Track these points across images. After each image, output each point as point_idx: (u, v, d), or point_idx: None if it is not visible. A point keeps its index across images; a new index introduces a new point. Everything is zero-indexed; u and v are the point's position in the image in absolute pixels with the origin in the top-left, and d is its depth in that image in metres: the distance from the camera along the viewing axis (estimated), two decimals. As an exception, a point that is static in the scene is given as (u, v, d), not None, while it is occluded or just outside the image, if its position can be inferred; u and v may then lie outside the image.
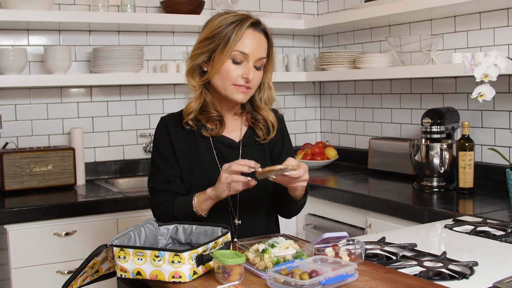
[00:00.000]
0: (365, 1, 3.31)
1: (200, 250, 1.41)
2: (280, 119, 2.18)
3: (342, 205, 2.87)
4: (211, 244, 1.45)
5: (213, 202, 1.87)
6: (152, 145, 2.10)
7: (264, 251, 1.41)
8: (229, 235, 1.57)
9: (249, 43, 1.91)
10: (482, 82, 2.13)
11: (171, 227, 1.69)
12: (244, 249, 1.47)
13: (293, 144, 3.92)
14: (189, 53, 2.04)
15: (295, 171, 1.80)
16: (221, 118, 2.02)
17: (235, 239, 1.97)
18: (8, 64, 2.96)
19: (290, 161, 1.81)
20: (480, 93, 2.11)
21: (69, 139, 3.26)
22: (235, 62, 1.92)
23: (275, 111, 2.14)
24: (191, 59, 2.00)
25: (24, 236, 2.66)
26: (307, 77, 3.70)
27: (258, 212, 2.06)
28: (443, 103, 3.15)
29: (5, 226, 2.64)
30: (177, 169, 2.00)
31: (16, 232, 2.64)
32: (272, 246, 1.42)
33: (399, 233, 2.13)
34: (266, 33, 1.98)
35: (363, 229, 2.76)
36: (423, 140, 2.90)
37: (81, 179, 3.21)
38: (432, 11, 2.98)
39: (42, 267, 2.68)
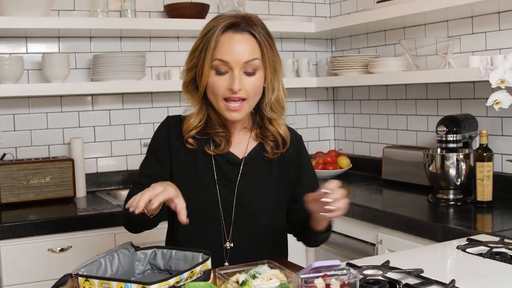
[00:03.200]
0: (377, 2, 3.15)
1: (172, 281, 1.26)
2: (297, 137, 2.00)
3: (352, 219, 2.70)
4: (186, 274, 1.30)
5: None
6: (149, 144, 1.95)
7: (243, 283, 1.25)
8: (209, 262, 1.42)
9: (227, 48, 1.74)
10: (498, 88, 1.96)
11: (149, 252, 1.54)
12: (224, 279, 1.32)
13: (306, 152, 3.80)
14: None
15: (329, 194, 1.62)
16: (227, 135, 1.87)
17: (226, 264, 1.82)
18: (4, 72, 2.85)
19: (330, 184, 1.64)
20: (496, 100, 1.93)
21: (69, 149, 3.14)
22: (219, 73, 1.76)
23: (291, 129, 1.97)
24: (184, 74, 1.85)
25: (17, 252, 2.53)
26: (318, 82, 3.54)
27: (254, 234, 1.89)
28: (461, 109, 2.97)
29: (-3, 242, 2.53)
30: (164, 171, 1.84)
31: (8, 248, 2.52)
32: (254, 276, 1.27)
33: (407, 254, 1.96)
34: (252, 33, 1.78)
35: (373, 245, 2.59)
36: (438, 150, 2.72)
37: (81, 191, 3.09)
38: (448, 11, 2.80)
39: (35, 285, 2.55)
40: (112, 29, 3.07)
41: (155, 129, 1.93)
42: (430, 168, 2.68)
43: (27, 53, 3.09)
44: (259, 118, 1.91)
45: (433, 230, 2.27)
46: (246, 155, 1.89)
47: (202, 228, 1.84)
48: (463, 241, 1.96)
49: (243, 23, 1.79)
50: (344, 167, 3.50)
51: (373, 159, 3.53)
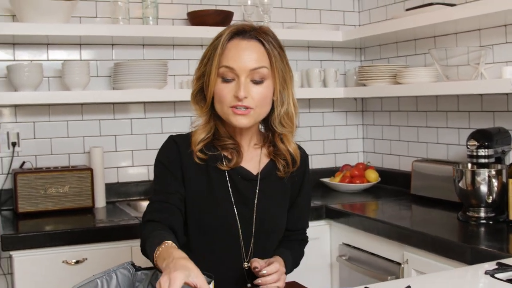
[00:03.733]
0: (406, 10, 3.03)
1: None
2: (306, 157, 1.93)
3: (378, 237, 2.58)
4: (186, 299, 1.22)
5: None
6: (155, 163, 1.83)
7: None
8: (211, 286, 1.33)
9: (234, 54, 1.67)
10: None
11: (150, 272, 1.46)
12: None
13: (333, 165, 3.70)
14: None
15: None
16: (237, 147, 1.78)
17: (248, 285, 1.75)
18: (23, 80, 2.81)
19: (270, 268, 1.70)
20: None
21: (89, 158, 3.08)
22: (225, 80, 1.69)
23: (301, 148, 1.90)
24: (193, 84, 1.78)
25: (31, 264, 2.47)
26: (345, 92, 3.43)
27: (271, 253, 1.83)
28: (494, 122, 2.83)
29: (11, 253, 2.47)
30: (181, 186, 1.73)
31: (22, 259, 2.46)
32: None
33: (429, 279, 1.83)
34: (260, 40, 1.71)
35: (399, 264, 2.47)
36: (469, 165, 2.59)
37: (100, 201, 3.03)
38: (481, 19, 2.68)
39: (49, 298, 2.50)
40: (134, 36, 3.01)
41: (160, 150, 1.82)
42: (460, 184, 2.55)
43: (48, 60, 3.05)
44: (270, 135, 1.83)
45: (461, 251, 2.15)
46: (260, 171, 1.81)
47: (220, 249, 1.76)
48: (492, 264, 1.83)
49: (252, 31, 1.72)
50: (372, 181, 3.37)
51: (402, 173, 3.40)
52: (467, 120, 2.99)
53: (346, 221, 2.81)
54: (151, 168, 3.21)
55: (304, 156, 1.91)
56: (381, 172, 3.48)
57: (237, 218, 1.76)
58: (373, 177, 3.39)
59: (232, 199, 1.76)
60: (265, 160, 1.84)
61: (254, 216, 1.78)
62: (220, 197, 1.75)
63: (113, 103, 3.18)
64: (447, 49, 2.76)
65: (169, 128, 3.30)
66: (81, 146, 3.14)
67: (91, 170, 2.94)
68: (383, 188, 3.44)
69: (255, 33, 1.72)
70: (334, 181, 3.43)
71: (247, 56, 1.68)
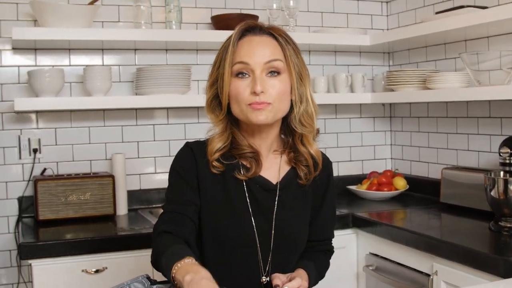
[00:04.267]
0: (436, 13, 2.93)
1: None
2: (329, 163, 1.85)
3: (406, 247, 2.49)
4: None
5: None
6: (169, 171, 1.76)
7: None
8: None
9: (247, 49, 1.62)
10: None
11: (166, 287, 1.39)
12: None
13: (361, 172, 3.61)
14: None
15: None
16: (256, 156, 1.70)
17: None
18: (44, 85, 2.77)
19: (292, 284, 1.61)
20: None
21: (111, 165, 3.04)
22: (240, 76, 1.63)
23: (323, 153, 1.82)
24: (206, 91, 1.72)
25: (50, 272, 2.43)
26: (373, 98, 3.34)
27: (291, 268, 1.74)
28: (528, 129, 2.72)
29: (30, 261, 2.42)
30: (196, 197, 1.66)
31: (41, 267, 2.42)
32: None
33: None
34: (272, 34, 1.67)
35: (428, 275, 2.37)
36: (501, 173, 2.49)
37: (122, 209, 2.98)
38: (514, 22, 2.58)
39: (67, 307, 2.45)
40: (157, 41, 2.96)
41: (176, 157, 1.75)
42: (492, 193, 2.44)
43: (70, 65, 3.02)
44: (291, 140, 1.76)
45: (494, 263, 2.04)
46: (280, 180, 1.73)
47: (237, 262, 1.68)
48: (527, 279, 1.74)
49: (263, 27, 1.68)
50: (400, 189, 3.28)
51: (432, 181, 3.30)
52: (499, 127, 2.88)
53: (373, 230, 2.72)
54: (174, 175, 3.19)
55: (327, 161, 1.83)
56: (409, 179, 3.38)
57: (255, 229, 1.68)
58: (401, 184, 3.29)
59: (250, 209, 1.68)
60: (285, 168, 1.76)
61: (273, 228, 1.70)
62: (237, 208, 1.68)
63: (136, 109, 3.14)
64: (479, 53, 2.66)
65: (193, 134, 3.24)
66: (103, 153, 3.10)
67: (112, 177, 2.89)
68: (411, 196, 3.34)
69: (266, 28, 1.68)
70: (361, 189, 3.34)
71: (260, 50, 1.63)
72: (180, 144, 3.14)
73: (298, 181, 1.74)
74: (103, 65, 3.06)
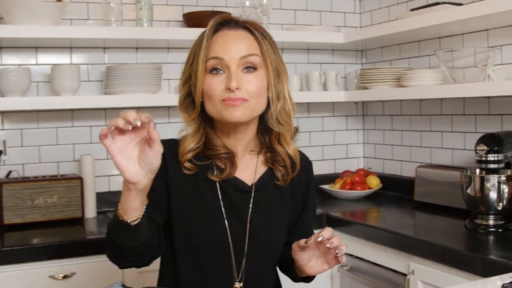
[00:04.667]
0: (411, 10, 2.91)
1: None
2: (309, 163, 1.78)
3: (382, 246, 2.46)
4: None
5: (134, 195, 1.36)
6: None
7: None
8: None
9: (221, 44, 1.55)
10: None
11: (138, 292, 1.33)
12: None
13: (333, 171, 3.57)
14: None
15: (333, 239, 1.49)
16: (230, 156, 1.62)
17: None
18: (10, 85, 2.68)
19: (326, 232, 1.49)
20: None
21: (79, 167, 2.95)
22: (214, 72, 1.55)
23: (302, 153, 1.75)
24: (179, 90, 1.65)
25: (16, 279, 2.33)
26: (346, 96, 3.30)
27: (266, 272, 1.68)
28: (502, 126, 2.71)
29: (-5, 268, 2.34)
30: (161, 199, 1.57)
31: (6, 274, 2.32)
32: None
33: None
34: (248, 28, 1.60)
35: (405, 275, 2.34)
36: (477, 171, 2.47)
37: (91, 212, 2.89)
38: (489, 19, 2.56)
39: (33, 315, 2.36)
40: (128, 39, 2.88)
41: None
42: (468, 191, 2.42)
43: (37, 64, 2.93)
44: (267, 139, 1.68)
45: (472, 262, 2.02)
46: (256, 181, 1.66)
47: (209, 267, 1.61)
48: (508, 277, 1.70)
49: (238, 21, 1.61)
50: (374, 187, 3.25)
51: (405, 179, 3.27)
52: (473, 124, 2.87)
53: (347, 229, 2.68)
54: (145, 176, 3.11)
55: (306, 162, 1.76)
56: (383, 178, 3.35)
57: (229, 233, 1.61)
58: (374, 183, 3.26)
59: (224, 212, 1.61)
60: (262, 169, 1.69)
61: (248, 231, 1.63)
62: (210, 210, 1.60)
63: (105, 109, 3.06)
64: (454, 51, 2.64)
65: (163, 135, 3.12)
66: (70, 154, 3.01)
67: (81, 179, 2.81)
68: (385, 194, 3.31)
69: (242, 22, 1.62)
70: (334, 188, 3.30)
71: (236, 44, 1.56)
72: (151, 145, 3.11)
73: (275, 182, 1.68)
74: (71, 63, 2.97)
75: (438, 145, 3.09)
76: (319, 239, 1.47)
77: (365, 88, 3.21)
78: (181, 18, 3.17)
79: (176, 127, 3.13)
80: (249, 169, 1.67)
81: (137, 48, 3.11)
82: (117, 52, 3.07)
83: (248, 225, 1.63)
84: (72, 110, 2.99)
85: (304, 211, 1.76)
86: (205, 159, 1.62)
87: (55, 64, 2.85)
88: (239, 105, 1.54)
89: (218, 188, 1.62)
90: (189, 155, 1.60)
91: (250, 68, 1.57)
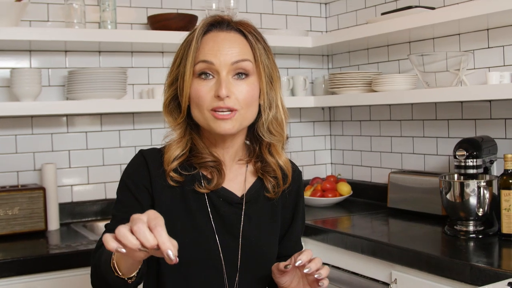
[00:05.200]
0: (381, 14, 2.87)
1: None
2: (299, 173, 1.70)
3: (362, 255, 2.39)
4: None
5: (132, 262, 1.25)
6: (119, 182, 1.55)
7: None
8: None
9: (212, 47, 1.44)
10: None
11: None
12: None
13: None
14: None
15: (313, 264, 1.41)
16: (218, 165, 1.52)
17: None
18: (-34, 90, 2.52)
19: (303, 256, 1.40)
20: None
21: (41, 176, 2.80)
22: (203, 77, 1.45)
23: (292, 163, 1.66)
24: (164, 92, 1.54)
25: (-24, 298, 2.19)
26: (316, 102, 3.24)
27: (261, 285, 1.59)
28: (475, 131, 2.69)
29: (-49, 287, 2.18)
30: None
31: (-34, 293, 2.18)
32: None
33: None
34: (241, 31, 1.50)
35: (387, 284, 2.28)
36: (455, 176, 2.44)
37: (54, 224, 2.75)
38: (461, 24, 2.54)
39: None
40: (90, 42, 2.74)
41: (127, 167, 1.55)
42: (448, 196, 2.39)
43: (-6, 68, 2.77)
44: (257, 148, 1.59)
45: (460, 270, 1.97)
46: (246, 192, 1.57)
47: (199, 284, 1.50)
48: (503, 285, 1.66)
49: (231, 22, 1.51)
50: (345, 194, 3.20)
51: (375, 185, 3.24)
52: (446, 129, 2.84)
53: (322, 238, 2.62)
54: (109, 186, 2.99)
55: (297, 173, 1.68)
56: (352, 184, 3.31)
57: (220, 248, 1.51)
58: (345, 190, 3.21)
59: (214, 226, 1.51)
60: (251, 179, 1.59)
61: (240, 245, 1.54)
62: (199, 225, 1.50)
63: (67, 115, 2.91)
64: (426, 55, 2.61)
65: (128, 142, 3.05)
66: (31, 163, 2.85)
67: (43, 189, 2.66)
68: (355, 201, 3.27)
69: (235, 23, 1.51)
70: (305, 195, 3.23)
71: (227, 48, 1.44)
72: (114, 153, 3.00)
73: (265, 194, 1.59)
74: (30, 67, 2.82)
75: (409, 151, 3.06)
76: (297, 263, 1.39)
77: (334, 93, 3.16)
78: (145, 21, 3.06)
79: (141, 134, 3.05)
80: (238, 179, 1.58)
81: (99, 51, 2.98)
82: (79, 56, 2.93)
83: (240, 239, 1.54)
84: (32, 116, 2.84)
85: (293, 223, 1.68)
86: (191, 169, 1.52)
87: (13, 68, 2.69)
88: (228, 119, 1.44)
89: (207, 201, 1.52)
90: (175, 164, 1.50)
91: (242, 74, 1.46)
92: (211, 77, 1.45)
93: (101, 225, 2.90)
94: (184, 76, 1.46)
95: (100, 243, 1.43)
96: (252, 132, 1.59)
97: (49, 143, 2.89)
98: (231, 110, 1.43)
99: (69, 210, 2.91)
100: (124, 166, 2.95)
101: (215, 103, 1.43)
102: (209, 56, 1.44)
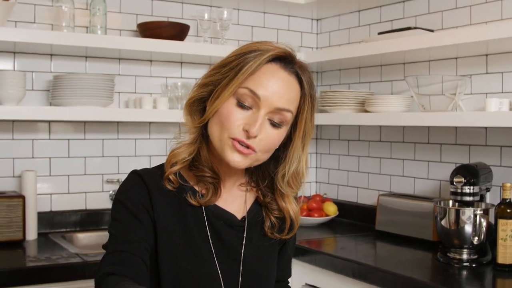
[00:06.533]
0: (378, 33, 2.83)
1: None
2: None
3: (353, 280, 2.32)
4: None
5: None
6: (113, 203, 1.46)
7: None
8: None
9: (267, 82, 1.35)
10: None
11: None
12: None
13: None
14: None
15: None
16: (216, 182, 1.44)
17: None
18: None
19: None
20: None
21: (20, 183, 2.68)
22: (241, 105, 1.36)
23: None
24: (194, 89, 1.44)
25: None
26: (305, 119, 3.17)
27: None
28: (469, 157, 2.65)
29: None
30: (148, 234, 1.38)
31: None
32: None
33: None
34: (300, 79, 1.40)
35: (379, 311, 2.22)
36: (450, 203, 2.40)
37: (32, 234, 2.62)
38: (459, 48, 2.51)
39: None
40: (77, 46, 2.64)
41: (122, 187, 1.45)
42: (442, 223, 2.34)
43: (-24, 69, 2.65)
44: (267, 183, 1.50)
45: (459, 300, 1.92)
46: (247, 214, 1.49)
47: None
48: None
49: (295, 64, 1.41)
50: (331, 214, 3.13)
51: (362, 207, 3.18)
52: (438, 153, 2.80)
53: (310, 259, 2.54)
54: (90, 196, 2.89)
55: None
56: (337, 204, 3.23)
57: (220, 272, 1.43)
58: (332, 210, 3.15)
59: (213, 250, 1.43)
60: (251, 200, 1.52)
61: (241, 270, 1.46)
62: (199, 248, 1.42)
63: (49, 121, 2.80)
64: (422, 77, 2.58)
65: (111, 152, 2.95)
66: (10, 170, 2.73)
67: (23, 197, 2.54)
68: (341, 222, 3.20)
69: (298, 67, 1.41)
70: (289, 214, 3.16)
71: (281, 89, 1.36)
72: (97, 162, 2.89)
73: (262, 226, 1.51)
74: (14, 70, 2.71)
75: (399, 173, 3.01)
76: None
77: (324, 111, 3.10)
78: (134, 28, 2.97)
79: (124, 144, 2.95)
80: (236, 200, 1.51)
81: (86, 57, 2.88)
82: (65, 60, 2.83)
83: (241, 263, 1.47)
84: (13, 121, 2.72)
85: (285, 246, 1.60)
86: (185, 181, 1.45)
87: (-3, 70, 2.58)
88: (245, 154, 1.36)
89: (206, 223, 1.44)
90: (177, 167, 1.42)
91: (278, 122, 1.38)
92: (248, 108, 1.36)
93: (81, 236, 2.80)
94: (225, 90, 1.36)
95: (103, 272, 1.32)
96: (263, 171, 1.51)
97: (29, 149, 2.77)
98: (250, 148, 1.36)
99: (47, 219, 2.79)
100: (106, 177, 2.91)
101: (240, 136, 1.35)
102: (259, 89, 1.35)
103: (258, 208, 1.51)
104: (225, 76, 1.37)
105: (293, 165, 1.45)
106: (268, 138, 1.37)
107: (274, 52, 1.37)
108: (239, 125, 1.35)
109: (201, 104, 1.43)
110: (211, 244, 1.43)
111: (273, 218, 1.50)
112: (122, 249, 1.35)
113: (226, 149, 1.36)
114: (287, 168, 1.45)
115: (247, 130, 1.34)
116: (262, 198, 1.51)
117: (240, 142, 1.35)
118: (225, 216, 1.46)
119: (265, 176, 1.50)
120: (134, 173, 1.46)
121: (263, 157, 1.40)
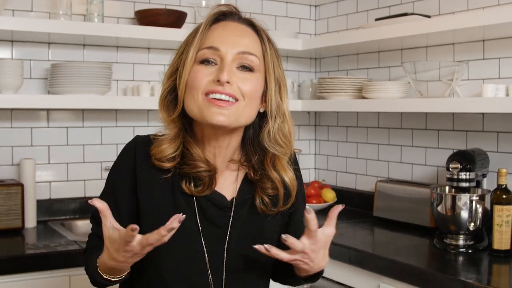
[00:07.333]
0: (376, 20, 2.82)
1: None
2: (300, 179, 1.58)
3: (349, 266, 2.34)
4: None
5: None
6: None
7: None
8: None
9: (220, 33, 1.37)
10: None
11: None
12: None
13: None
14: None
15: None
16: (212, 175, 1.43)
17: None
18: None
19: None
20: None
21: (19, 171, 2.70)
22: (205, 62, 1.36)
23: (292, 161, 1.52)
24: (163, 83, 1.44)
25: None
26: (303, 106, 3.18)
27: (247, 284, 1.50)
28: (467, 143, 2.66)
29: None
30: (122, 221, 1.33)
31: None
32: None
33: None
34: (254, 26, 1.43)
35: (375, 296, 2.24)
36: (447, 189, 2.41)
37: (31, 221, 2.64)
38: (456, 33, 2.50)
39: None
40: (75, 34, 2.64)
41: (118, 156, 1.48)
42: (439, 209, 2.35)
43: (-27, 58, 2.65)
44: (257, 157, 1.47)
45: (451, 285, 1.93)
46: (236, 196, 1.47)
47: (187, 273, 1.43)
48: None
49: (242, 16, 1.45)
50: (329, 201, 3.14)
51: (361, 193, 3.19)
52: (436, 139, 2.81)
53: (308, 246, 2.55)
54: (88, 184, 2.91)
55: (299, 180, 1.55)
56: (336, 191, 3.24)
57: (206, 256, 1.43)
58: (330, 196, 3.15)
59: (200, 228, 1.42)
60: (241, 179, 1.49)
61: (225, 250, 1.45)
62: (186, 224, 1.36)
63: (48, 110, 2.81)
64: (419, 63, 2.58)
65: (109, 139, 2.96)
66: (9, 158, 2.75)
67: (21, 185, 2.56)
68: (340, 208, 3.20)
69: (247, 18, 1.45)
70: (288, 201, 3.17)
71: (236, 37, 1.38)
72: (96, 150, 2.90)
73: (253, 203, 1.48)
74: (12, 58, 2.71)
75: (396, 160, 3.01)
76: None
77: (322, 97, 3.11)
78: (132, 15, 2.97)
79: (123, 132, 2.95)
80: (228, 181, 1.48)
81: (84, 45, 2.88)
82: (63, 48, 2.83)
83: (226, 243, 1.45)
84: (12, 109, 2.73)
85: (293, 215, 1.54)
86: (184, 175, 1.44)
87: (-6, 59, 2.59)
88: (224, 107, 1.34)
89: (195, 203, 1.43)
90: (166, 166, 1.41)
91: (247, 68, 1.38)
92: (213, 64, 1.37)
93: (80, 223, 2.81)
94: (185, 62, 1.37)
95: (86, 247, 1.47)
96: (253, 143, 1.48)
97: (28, 137, 2.78)
98: (231, 96, 1.34)
99: (46, 207, 2.80)
100: (105, 164, 2.92)
101: (212, 86, 1.34)
102: (216, 42, 1.36)
103: (249, 187, 1.48)
104: (181, 58, 1.39)
105: (277, 119, 1.42)
106: (245, 82, 1.36)
107: (218, 9, 1.41)
108: (209, 79, 1.35)
109: (172, 95, 1.42)
110: (198, 223, 1.43)
111: (266, 198, 1.46)
112: (98, 234, 1.41)
113: (205, 110, 1.34)
114: (271, 123, 1.42)
115: (218, 80, 1.34)
116: (252, 175, 1.47)
117: (214, 93, 1.34)
118: (213, 197, 1.44)
119: (256, 149, 1.48)
120: (133, 141, 1.47)
121: (247, 109, 1.38)
